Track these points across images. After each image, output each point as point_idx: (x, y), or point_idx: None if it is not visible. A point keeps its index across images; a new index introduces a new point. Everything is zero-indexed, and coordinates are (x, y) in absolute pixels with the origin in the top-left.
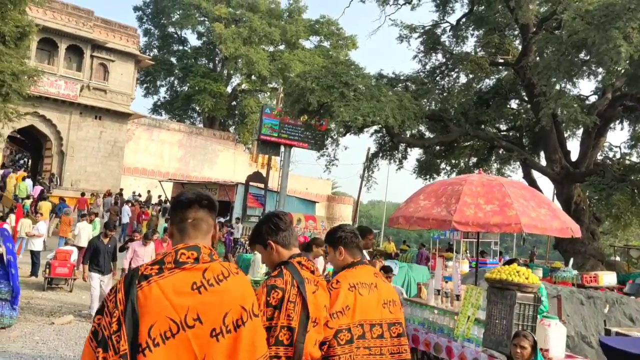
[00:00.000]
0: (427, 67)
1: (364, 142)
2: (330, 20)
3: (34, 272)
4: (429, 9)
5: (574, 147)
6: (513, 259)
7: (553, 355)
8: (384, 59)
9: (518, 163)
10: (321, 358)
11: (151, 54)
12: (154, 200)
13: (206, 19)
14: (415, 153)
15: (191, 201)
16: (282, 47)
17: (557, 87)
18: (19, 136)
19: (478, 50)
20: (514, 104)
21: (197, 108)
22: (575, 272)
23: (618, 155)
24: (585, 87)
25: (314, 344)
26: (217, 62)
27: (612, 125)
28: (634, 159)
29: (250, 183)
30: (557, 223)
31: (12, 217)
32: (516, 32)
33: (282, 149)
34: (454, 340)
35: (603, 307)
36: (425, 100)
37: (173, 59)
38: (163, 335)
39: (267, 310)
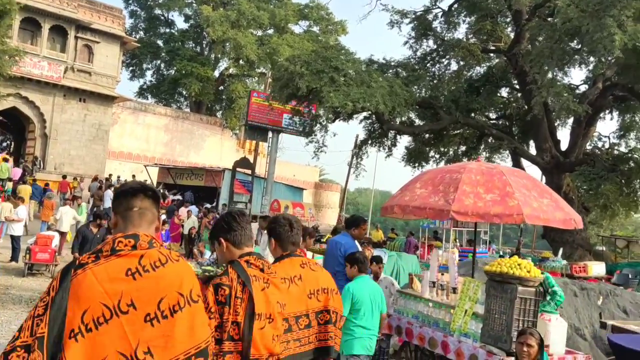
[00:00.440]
0: (418, 53)
1: (353, 129)
2: (319, 5)
3: (14, 258)
4: None
5: (563, 136)
6: (516, 252)
7: (554, 351)
8: (374, 45)
9: (508, 152)
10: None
11: (137, 36)
12: None
13: (193, 1)
14: (404, 141)
15: (137, 190)
16: (270, 31)
17: (550, 75)
18: (1, 118)
19: (470, 37)
20: (504, 92)
21: (184, 92)
22: (564, 262)
23: (607, 145)
24: (576, 76)
25: (272, 339)
26: (204, 45)
27: (601, 115)
28: (623, 149)
29: (238, 169)
30: (560, 214)
31: None
32: (509, 19)
33: (270, 134)
34: (450, 334)
35: (597, 299)
36: (415, 87)
37: (159, 42)
38: (96, 321)
39: (218, 308)
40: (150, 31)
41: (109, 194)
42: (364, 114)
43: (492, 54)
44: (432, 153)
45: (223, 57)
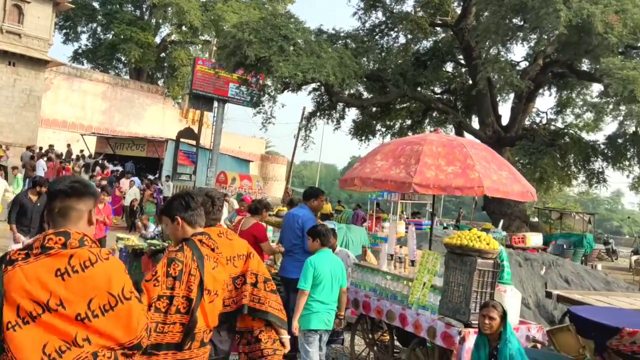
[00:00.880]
0: (367, 25)
1: (298, 100)
2: None
3: None
4: None
5: (504, 111)
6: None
7: (509, 322)
8: (321, 15)
9: (452, 126)
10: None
11: None
12: (75, 155)
13: None
14: (352, 114)
15: (55, 192)
16: None
17: (494, 51)
18: None
19: (418, 10)
20: (449, 67)
21: (123, 58)
22: (504, 233)
23: (545, 121)
24: (518, 52)
25: (215, 314)
26: (144, 9)
27: (541, 91)
28: (559, 124)
29: (181, 140)
30: (518, 187)
31: None
32: None
33: (216, 104)
34: (408, 307)
35: (539, 269)
36: (364, 59)
37: (95, 4)
38: (31, 314)
39: (167, 280)
40: None
41: (41, 164)
42: (313, 85)
43: (439, 28)
44: (378, 127)
45: (165, 22)
